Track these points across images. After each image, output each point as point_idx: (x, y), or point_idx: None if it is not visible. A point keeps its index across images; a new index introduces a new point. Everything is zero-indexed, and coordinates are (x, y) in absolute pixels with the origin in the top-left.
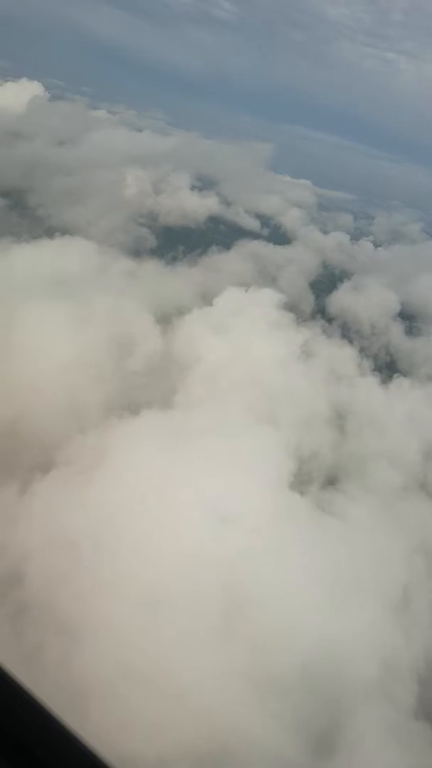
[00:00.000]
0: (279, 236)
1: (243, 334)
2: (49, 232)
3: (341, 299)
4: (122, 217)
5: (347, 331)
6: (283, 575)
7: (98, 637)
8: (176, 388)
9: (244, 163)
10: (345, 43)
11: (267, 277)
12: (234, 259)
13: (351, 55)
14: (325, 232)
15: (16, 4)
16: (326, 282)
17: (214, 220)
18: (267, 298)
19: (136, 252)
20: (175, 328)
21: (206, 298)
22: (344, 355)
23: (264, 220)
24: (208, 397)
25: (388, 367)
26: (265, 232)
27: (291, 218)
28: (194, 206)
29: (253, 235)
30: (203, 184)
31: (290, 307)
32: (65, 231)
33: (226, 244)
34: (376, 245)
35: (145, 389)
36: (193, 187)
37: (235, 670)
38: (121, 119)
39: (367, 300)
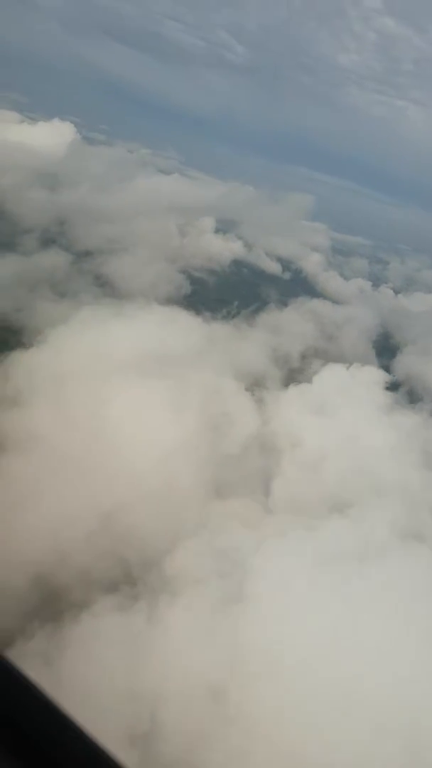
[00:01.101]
0: (300, 281)
1: (346, 417)
2: (99, 283)
3: (407, 363)
4: (167, 267)
5: (415, 398)
6: None
7: None
8: (273, 474)
9: (285, 216)
10: (354, 89)
11: (329, 339)
12: (294, 319)
13: (360, 101)
14: (344, 277)
15: (32, 41)
16: (383, 341)
17: (237, 264)
18: (370, 376)
19: (191, 306)
20: (271, 406)
21: (279, 363)
22: None
23: (285, 263)
24: (310, 486)
25: None
26: (287, 276)
27: (312, 263)
28: (220, 250)
29: (275, 279)
30: (224, 226)
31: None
32: (115, 284)
33: (282, 301)
34: (396, 292)
35: (242, 473)
36: (217, 230)
37: None
38: (139, 158)
39: None
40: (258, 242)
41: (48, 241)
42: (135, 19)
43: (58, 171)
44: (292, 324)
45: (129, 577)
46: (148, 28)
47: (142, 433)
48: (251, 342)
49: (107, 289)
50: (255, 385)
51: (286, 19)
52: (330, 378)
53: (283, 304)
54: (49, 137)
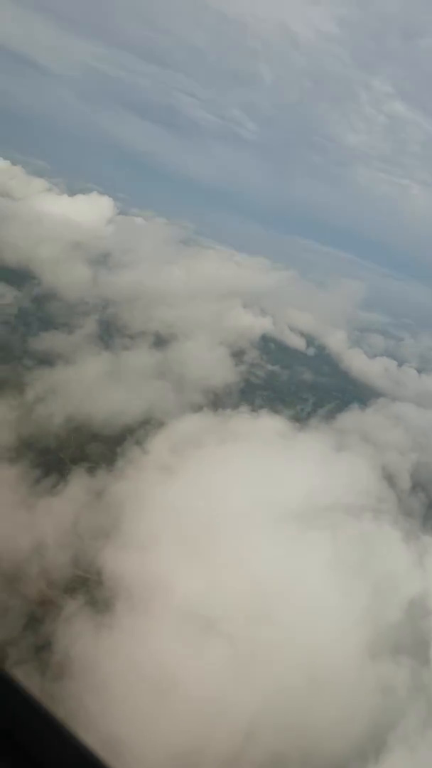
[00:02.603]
0: (325, 357)
1: None
2: (163, 370)
3: None
4: (222, 351)
5: None
6: None
7: None
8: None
9: (338, 306)
10: (361, 168)
11: (423, 449)
12: (380, 422)
13: (365, 179)
14: (368, 355)
15: (50, 110)
16: None
17: (265, 339)
18: None
19: (266, 404)
20: (425, 556)
21: (392, 481)
22: None
23: (308, 339)
24: None
25: None
26: (311, 351)
27: (336, 340)
28: (251, 326)
29: (301, 355)
30: (248, 300)
31: None
32: (181, 374)
33: (362, 401)
34: (419, 372)
35: (404, 641)
36: (244, 305)
37: None
38: (153, 227)
39: None
40: (279, 314)
41: (106, 324)
42: (149, 92)
43: (103, 247)
44: (379, 430)
45: None
46: (162, 101)
47: (294, 596)
48: (357, 459)
49: (173, 377)
50: (376, 511)
51: (298, 100)
52: None
53: (362, 403)
54: (90, 211)
